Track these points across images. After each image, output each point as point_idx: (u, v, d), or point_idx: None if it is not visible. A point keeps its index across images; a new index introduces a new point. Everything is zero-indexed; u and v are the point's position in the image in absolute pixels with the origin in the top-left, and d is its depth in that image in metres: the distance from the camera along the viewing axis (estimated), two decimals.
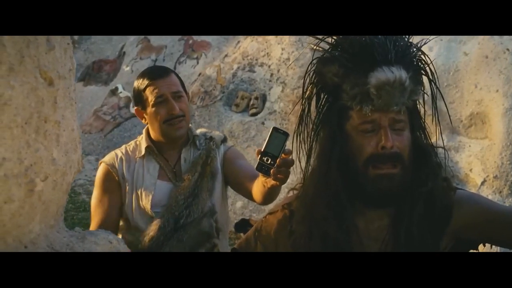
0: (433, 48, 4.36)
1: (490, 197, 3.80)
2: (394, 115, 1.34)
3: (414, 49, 1.38)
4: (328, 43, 1.42)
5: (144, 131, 2.31)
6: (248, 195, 2.22)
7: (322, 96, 1.43)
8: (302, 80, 1.46)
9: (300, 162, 1.47)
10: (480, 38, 4.19)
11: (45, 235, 0.93)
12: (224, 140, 2.34)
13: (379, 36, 1.35)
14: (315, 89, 1.44)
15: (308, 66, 1.43)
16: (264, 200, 2.05)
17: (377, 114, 1.33)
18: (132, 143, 2.32)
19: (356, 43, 1.36)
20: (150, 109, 2.20)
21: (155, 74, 2.24)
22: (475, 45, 4.22)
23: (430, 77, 1.41)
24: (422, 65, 1.40)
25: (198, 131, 2.35)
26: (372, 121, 1.34)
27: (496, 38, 4.13)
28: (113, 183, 2.23)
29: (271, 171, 1.74)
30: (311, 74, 1.43)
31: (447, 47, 4.34)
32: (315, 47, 1.43)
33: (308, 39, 1.55)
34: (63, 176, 0.94)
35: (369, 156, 1.33)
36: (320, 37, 1.42)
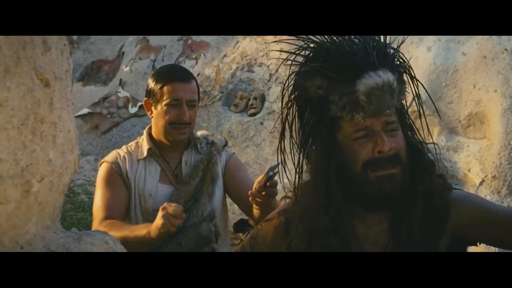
0: (432, 48, 4.36)
1: (488, 197, 3.81)
2: (385, 118, 1.33)
3: (392, 50, 1.37)
4: (303, 55, 1.39)
5: (145, 132, 2.30)
6: (245, 210, 2.23)
7: (307, 111, 1.40)
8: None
9: (286, 173, 1.44)
10: (479, 38, 4.19)
11: (41, 236, 0.93)
12: (225, 144, 2.35)
13: (356, 40, 1.34)
14: (295, 105, 1.41)
15: (285, 82, 1.40)
16: (257, 219, 2.04)
17: (369, 120, 1.32)
18: (132, 143, 2.30)
19: (334, 52, 1.34)
20: (161, 107, 2.19)
21: (178, 75, 2.23)
22: (474, 45, 4.22)
23: (413, 74, 1.40)
24: (402, 63, 1.39)
25: (199, 133, 2.34)
26: (365, 127, 1.32)
27: (495, 38, 4.13)
28: (118, 180, 2.19)
29: (249, 192, 1.89)
30: (289, 89, 1.40)
31: (446, 47, 4.34)
32: (291, 61, 1.39)
33: (275, 53, 1.52)
34: (60, 177, 0.94)
35: (366, 161, 1.32)
36: (294, 50, 1.39)
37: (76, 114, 6.46)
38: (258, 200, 1.90)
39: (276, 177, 1.89)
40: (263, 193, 1.89)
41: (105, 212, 2.11)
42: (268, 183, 1.90)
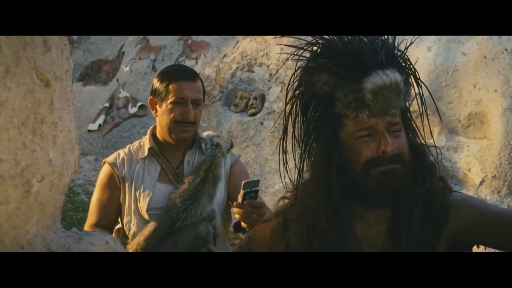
0: (432, 48, 4.37)
1: (488, 197, 3.81)
2: (390, 118, 1.32)
3: (399, 52, 1.36)
4: (311, 51, 1.38)
5: (148, 131, 2.31)
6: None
7: (311, 107, 1.39)
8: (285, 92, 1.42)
9: (287, 172, 1.43)
10: (479, 38, 4.20)
11: (42, 236, 0.93)
12: (230, 147, 2.35)
13: (365, 39, 1.33)
14: (299, 100, 1.40)
15: (291, 77, 1.40)
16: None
17: (373, 120, 1.31)
18: (136, 143, 2.33)
19: (343, 49, 1.33)
20: (166, 105, 2.21)
21: (183, 74, 2.25)
22: (474, 45, 4.22)
23: (418, 77, 1.40)
24: (408, 65, 1.39)
25: (205, 134, 2.35)
26: (369, 127, 1.32)
27: (495, 38, 4.14)
28: (113, 184, 2.23)
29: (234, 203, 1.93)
30: (295, 85, 1.40)
31: (446, 47, 4.35)
32: (299, 56, 1.38)
33: (291, 49, 1.51)
34: (60, 177, 0.94)
35: (369, 160, 1.31)
36: (302, 45, 1.38)
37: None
38: (245, 217, 1.87)
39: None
40: (242, 210, 1.87)
41: (97, 217, 2.19)
42: (245, 201, 1.87)
